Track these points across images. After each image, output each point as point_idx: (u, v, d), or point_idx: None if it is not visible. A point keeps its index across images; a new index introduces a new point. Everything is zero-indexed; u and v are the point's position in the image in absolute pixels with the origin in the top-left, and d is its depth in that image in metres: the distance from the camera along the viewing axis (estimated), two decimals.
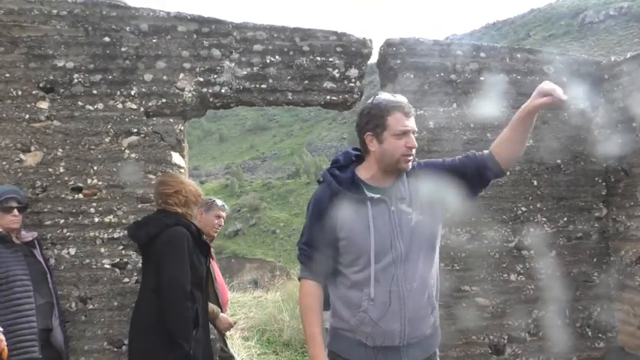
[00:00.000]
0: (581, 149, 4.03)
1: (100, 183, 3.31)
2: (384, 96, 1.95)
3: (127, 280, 3.27)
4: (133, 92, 3.37)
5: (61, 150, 3.28)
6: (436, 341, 2.01)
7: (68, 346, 3.01)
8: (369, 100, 1.97)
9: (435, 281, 1.98)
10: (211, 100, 3.49)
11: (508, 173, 3.90)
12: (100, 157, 3.32)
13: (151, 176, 3.35)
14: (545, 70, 4.00)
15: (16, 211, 2.82)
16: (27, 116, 3.26)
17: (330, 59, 3.62)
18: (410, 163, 1.93)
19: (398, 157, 1.89)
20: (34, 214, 3.17)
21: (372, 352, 1.87)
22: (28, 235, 2.91)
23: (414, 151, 1.92)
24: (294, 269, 9.48)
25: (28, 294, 2.71)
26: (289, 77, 3.57)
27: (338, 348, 1.96)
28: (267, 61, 3.54)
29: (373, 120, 1.91)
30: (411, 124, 1.91)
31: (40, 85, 3.29)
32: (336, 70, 3.62)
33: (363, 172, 1.97)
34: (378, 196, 1.90)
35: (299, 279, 2.02)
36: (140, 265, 3.08)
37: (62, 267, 3.22)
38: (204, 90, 3.46)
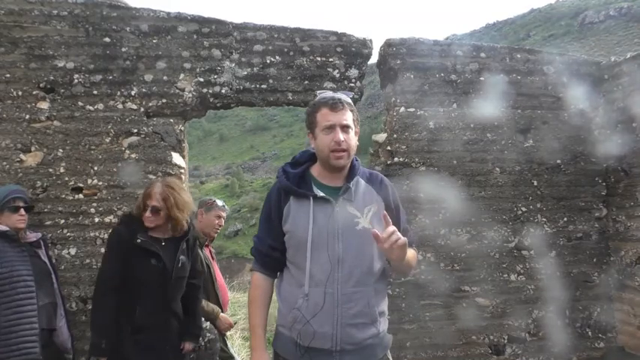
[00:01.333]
0: (581, 149, 4.03)
1: (101, 183, 3.31)
2: (321, 94, 1.95)
3: None
4: (133, 92, 3.38)
5: (61, 150, 3.29)
6: (379, 351, 1.91)
7: (74, 346, 3.01)
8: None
9: (381, 295, 1.92)
10: (211, 100, 3.49)
11: (508, 174, 3.90)
12: (100, 157, 3.32)
13: (151, 176, 3.35)
14: (545, 70, 4.00)
15: (22, 211, 2.82)
16: (27, 116, 3.26)
17: (331, 59, 3.62)
18: (342, 160, 1.85)
19: (327, 153, 1.84)
20: (34, 215, 3.16)
21: (304, 352, 1.84)
22: (32, 236, 2.92)
23: (344, 145, 1.83)
24: None
25: (31, 294, 2.71)
26: (289, 77, 3.57)
27: (277, 346, 1.97)
28: (268, 61, 3.54)
29: (308, 118, 1.94)
30: (337, 117, 1.84)
31: (41, 85, 3.29)
32: (337, 71, 3.63)
33: (315, 170, 1.97)
34: (322, 194, 1.87)
35: (251, 271, 2.03)
36: None
37: (62, 267, 3.22)
38: (205, 90, 3.46)
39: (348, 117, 1.87)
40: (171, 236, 2.74)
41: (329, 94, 1.93)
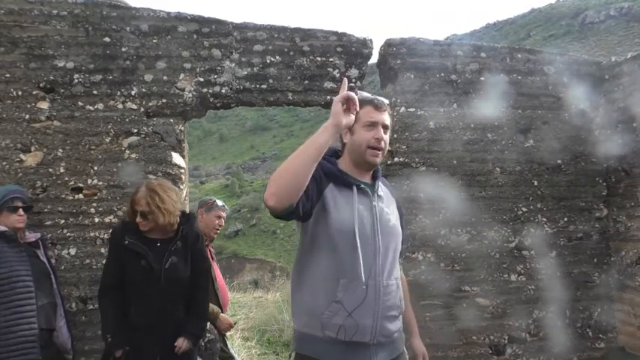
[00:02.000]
0: (581, 149, 4.03)
1: (101, 183, 3.31)
2: (362, 94, 1.96)
3: None
4: (133, 92, 3.37)
5: (61, 150, 3.28)
6: (401, 345, 1.98)
7: (74, 347, 3.01)
8: None
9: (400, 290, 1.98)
10: (211, 100, 3.49)
11: (508, 174, 3.90)
12: (100, 157, 3.32)
13: (151, 176, 3.35)
14: (545, 70, 4.00)
15: (21, 211, 2.82)
16: (27, 116, 3.26)
17: (331, 59, 3.62)
18: (378, 158, 1.92)
19: (365, 148, 1.89)
20: (34, 215, 3.16)
21: (342, 348, 1.80)
22: (31, 236, 2.92)
23: (382, 144, 1.90)
24: None
25: (30, 294, 2.70)
26: (289, 77, 3.57)
27: (305, 349, 1.87)
28: (268, 61, 3.54)
29: None
30: (380, 117, 1.91)
31: (41, 85, 3.29)
32: (337, 71, 3.62)
33: (342, 165, 1.97)
34: (363, 186, 1.91)
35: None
36: None
37: (62, 267, 3.22)
38: (205, 90, 3.46)
39: (387, 118, 1.95)
40: (168, 237, 2.71)
41: (372, 95, 1.97)
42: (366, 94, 1.96)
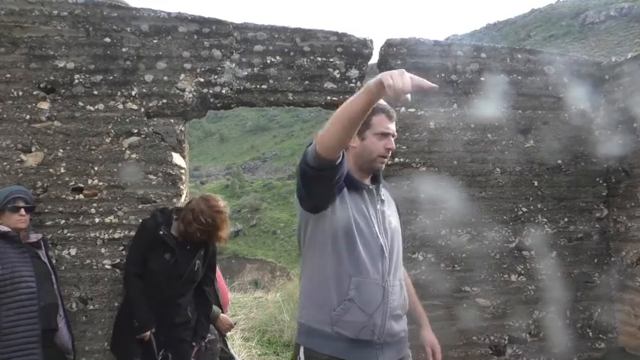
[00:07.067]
0: (581, 150, 4.03)
1: (101, 183, 3.31)
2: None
3: None
4: (133, 93, 3.37)
5: (61, 150, 3.28)
6: (406, 345, 2.03)
7: (75, 347, 3.01)
8: None
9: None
10: (212, 100, 3.49)
11: (507, 174, 3.90)
12: (100, 157, 3.32)
13: (152, 177, 3.35)
14: (545, 70, 4.00)
15: (23, 211, 2.82)
16: (28, 117, 3.26)
17: (331, 60, 3.62)
18: (383, 165, 2.01)
19: (375, 157, 1.96)
20: (34, 215, 3.16)
21: (350, 345, 1.83)
22: (33, 236, 2.92)
23: (389, 153, 1.99)
24: (295, 270, 9.48)
25: (32, 295, 2.70)
26: (290, 78, 3.57)
27: (312, 343, 1.89)
28: (268, 61, 3.54)
29: None
30: (392, 127, 1.98)
31: (41, 85, 3.29)
32: (337, 71, 3.62)
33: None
34: (372, 186, 1.97)
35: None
36: None
37: (63, 267, 3.21)
38: (205, 90, 3.46)
39: (395, 127, 2.02)
40: (192, 241, 2.93)
41: (382, 101, 1.95)
42: (380, 102, 1.95)
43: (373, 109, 1.87)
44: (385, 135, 1.95)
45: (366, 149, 1.95)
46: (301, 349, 1.89)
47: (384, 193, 2.05)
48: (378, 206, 1.96)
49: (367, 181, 2.02)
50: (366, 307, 1.83)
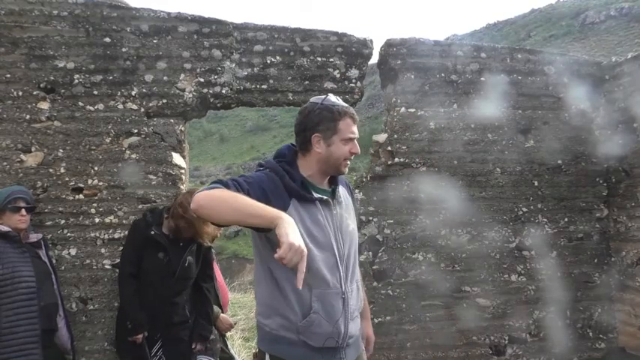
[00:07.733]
0: (582, 150, 4.03)
1: (101, 183, 3.31)
2: (333, 99, 1.95)
3: None
4: (133, 93, 3.37)
5: (61, 150, 3.28)
6: (360, 339, 2.08)
7: (74, 347, 3.01)
8: (317, 101, 1.95)
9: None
10: (212, 100, 3.49)
11: (507, 174, 3.90)
12: (100, 157, 3.32)
13: (152, 177, 3.35)
14: (545, 70, 4.00)
15: (24, 211, 2.82)
16: (28, 117, 3.26)
17: (331, 60, 3.62)
18: (347, 169, 1.98)
19: (341, 162, 1.94)
20: (34, 215, 3.16)
21: (316, 352, 1.85)
22: (34, 236, 2.92)
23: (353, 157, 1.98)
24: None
25: (32, 295, 2.70)
26: (290, 78, 3.57)
27: (278, 350, 1.88)
28: (268, 61, 3.54)
29: (324, 122, 1.90)
30: (356, 130, 1.96)
31: (41, 85, 3.29)
32: (337, 71, 3.62)
33: (305, 170, 1.95)
34: (326, 197, 1.94)
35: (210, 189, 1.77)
36: None
37: (63, 267, 3.22)
38: (205, 90, 3.46)
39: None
40: (183, 237, 2.92)
41: (343, 102, 1.96)
42: (344, 104, 1.95)
43: (339, 112, 1.90)
44: (351, 139, 1.93)
45: (333, 155, 1.91)
46: (267, 356, 1.90)
47: (341, 193, 2.02)
48: (335, 211, 1.94)
49: (325, 184, 1.98)
50: (330, 318, 1.85)
